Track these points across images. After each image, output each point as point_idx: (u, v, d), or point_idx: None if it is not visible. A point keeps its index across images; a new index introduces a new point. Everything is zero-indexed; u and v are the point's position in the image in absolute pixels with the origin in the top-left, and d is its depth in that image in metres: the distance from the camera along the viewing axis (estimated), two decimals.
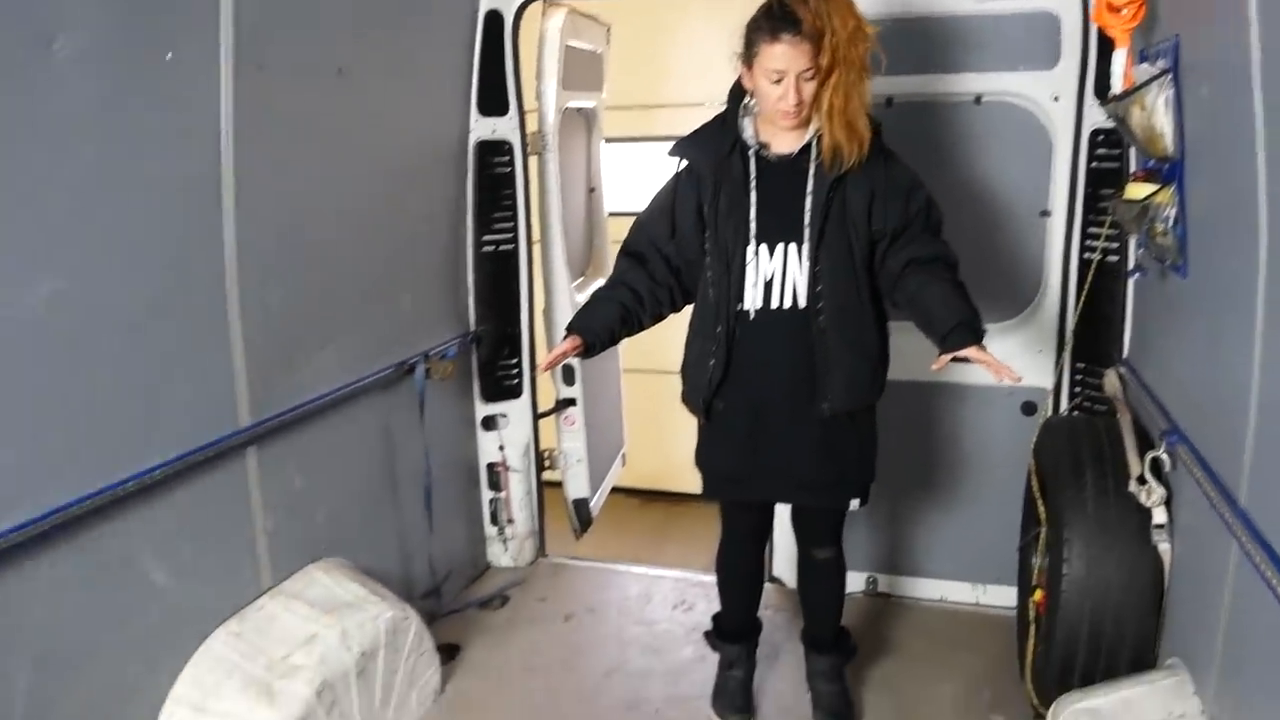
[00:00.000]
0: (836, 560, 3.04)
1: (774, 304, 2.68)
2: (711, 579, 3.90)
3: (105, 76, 2.20)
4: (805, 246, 2.64)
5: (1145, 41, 2.70)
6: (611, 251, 4.80)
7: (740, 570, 3.14)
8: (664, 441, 5.56)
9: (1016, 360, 3.47)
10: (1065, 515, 2.71)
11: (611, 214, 5.02)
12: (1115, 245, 3.24)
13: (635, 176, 5.63)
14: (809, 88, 2.52)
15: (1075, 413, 3.46)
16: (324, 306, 3.03)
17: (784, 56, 2.48)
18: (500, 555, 4.19)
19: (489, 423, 4.05)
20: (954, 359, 2.55)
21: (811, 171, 2.62)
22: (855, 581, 3.85)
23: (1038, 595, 2.96)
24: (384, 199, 3.30)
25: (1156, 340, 2.89)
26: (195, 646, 2.60)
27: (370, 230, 3.24)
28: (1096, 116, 3.23)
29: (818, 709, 3.08)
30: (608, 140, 4.95)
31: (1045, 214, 3.45)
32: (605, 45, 4.69)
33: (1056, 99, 3.34)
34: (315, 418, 3.00)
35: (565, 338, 2.75)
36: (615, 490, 4.92)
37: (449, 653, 3.43)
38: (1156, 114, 2.44)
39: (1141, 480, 2.56)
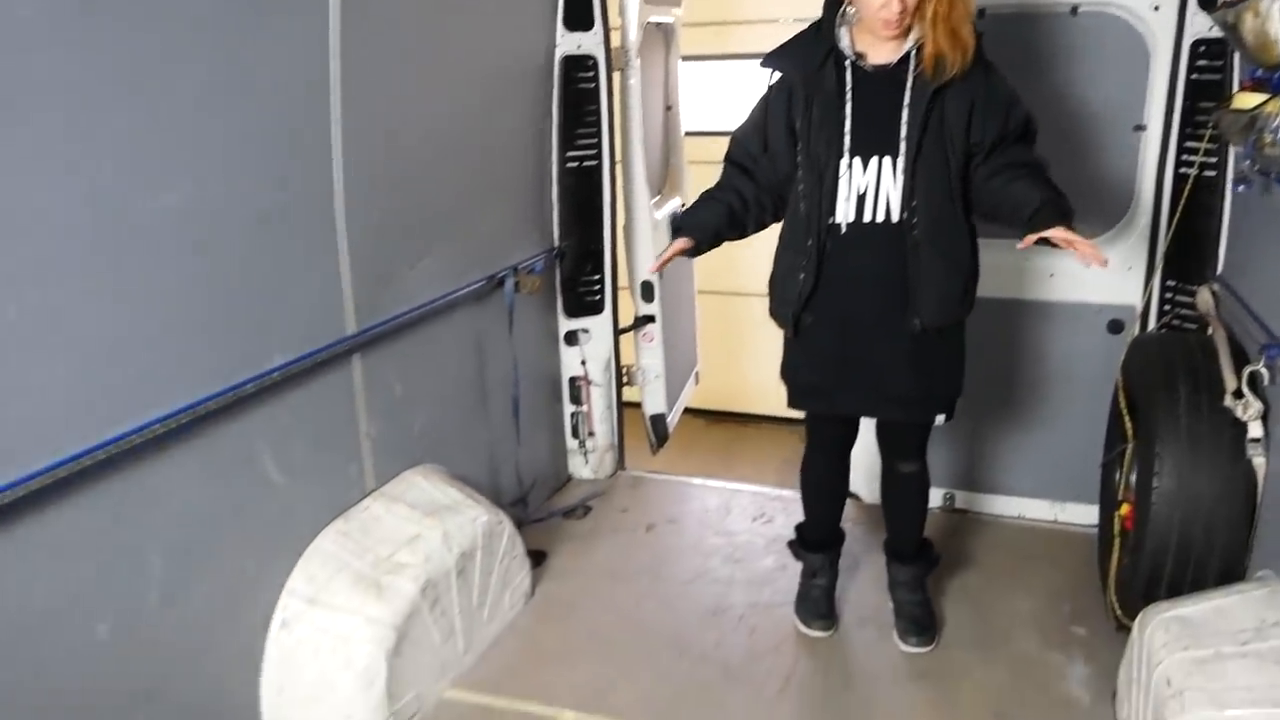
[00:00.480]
0: (920, 473, 3.08)
1: (866, 217, 2.68)
2: (789, 493, 3.99)
3: None
4: (901, 160, 2.62)
5: None
6: (688, 170, 4.82)
7: (825, 481, 3.19)
8: (732, 362, 5.63)
9: (1106, 278, 3.47)
10: (1156, 429, 2.71)
11: (687, 134, 5.02)
12: (1214, 159, 3.18)
13: (710, 95, 5.60)
14: None
15: (1164, 330, 3.44)
16: (421, 219, 3.10)
17: None
18: (581, 467, 4.29)
19: (571, 338, 4.12)
20: (1039, 241, 2.51)
21: (910, 83, 2.60)
22: (932, 498, 3.87)
23: (1124, 509, 2.99)
24: (475, 113, 3.34)
25: (1258, 254, 2.85)
26: (307, 543, 2.72)
27: (462, 144, 3.28)
28: (1199, 26, 3.15)
29: (899, 617, 3.14)
30: (683, 59, 4.91)
31: (1140, 128, 3.39)
32: None
33: (1156, 8, 3.26)
34: (413, 328, 3.09)
35: (674, 238, 2.79)
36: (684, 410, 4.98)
37: (536, 559, 3.54)
38: (1271, 20, 2.38)
39: (1238, 394, 2.55)
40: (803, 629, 3.19)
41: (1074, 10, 3.36)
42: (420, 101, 3.03)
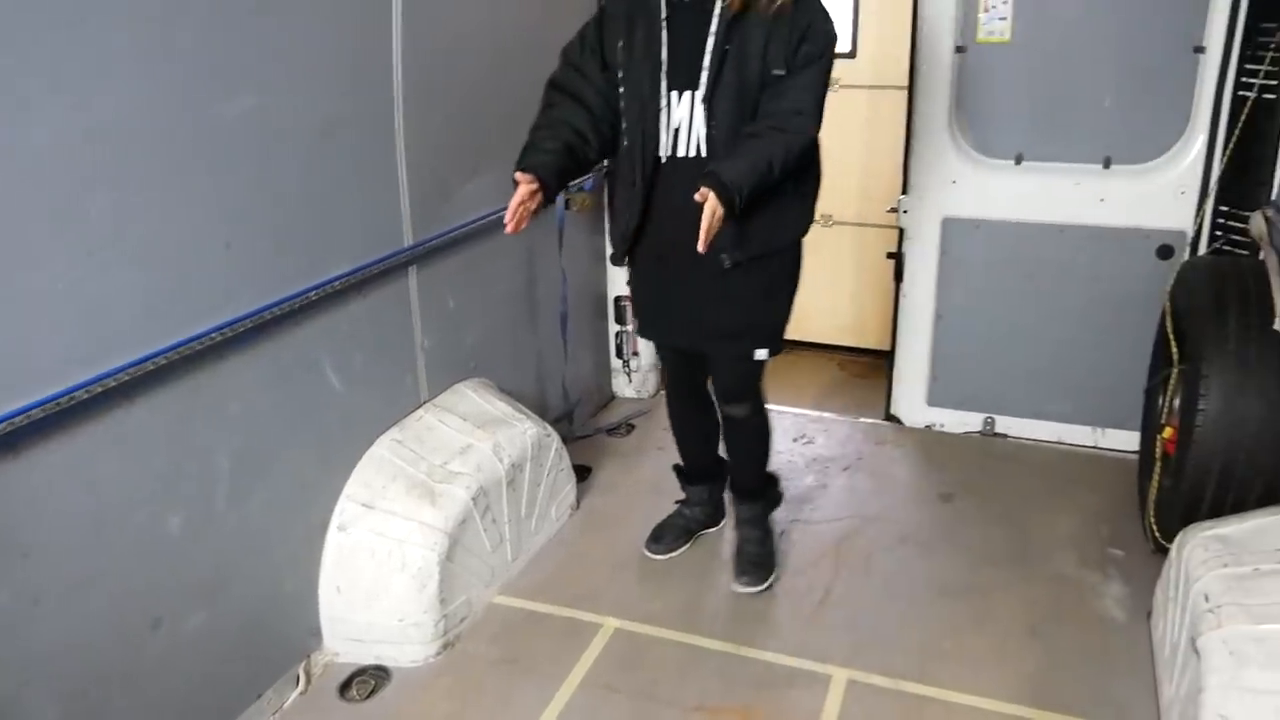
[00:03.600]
0: (750, 418, 3.02)
1: (680, 152, 2.60)
2: (830, 415, 4.04)
3: None
4: (700, 93, 2.53)
5: None
6: None
7: (683, 415, 3.23)
8: None
9: (1158, 203, 3.44)
10: (1205, 352, 2.72)
11: None
12: (1274, 82, 3.13)
13: None
14: None
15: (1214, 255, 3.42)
16: (476, 135, 3.13)
17: None
18: (624, 386, 4.37)
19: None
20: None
21: (717, 11, 2.49)
22: (973, 421, 3.95)
23: (1167, 433, 3.01)
24: (530, 28, 3.32)
25: None
26: (363, 450, 2.81)
27: (517, 60, 3.25)
28: None
29: (738, 555, 3.14)
30: None
31: (1199, 50, 3.33)
32: None
33: None
34: (466, 243, 3.14)
35: (516, 183, 2.51)
36: None
37: (581, 474, 3.62)
38: None
39: None
40: (644, 549, 3.24)
41: None
42: (478, 15, 3.05)
